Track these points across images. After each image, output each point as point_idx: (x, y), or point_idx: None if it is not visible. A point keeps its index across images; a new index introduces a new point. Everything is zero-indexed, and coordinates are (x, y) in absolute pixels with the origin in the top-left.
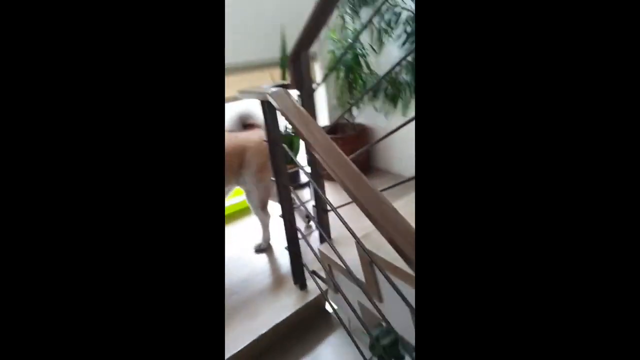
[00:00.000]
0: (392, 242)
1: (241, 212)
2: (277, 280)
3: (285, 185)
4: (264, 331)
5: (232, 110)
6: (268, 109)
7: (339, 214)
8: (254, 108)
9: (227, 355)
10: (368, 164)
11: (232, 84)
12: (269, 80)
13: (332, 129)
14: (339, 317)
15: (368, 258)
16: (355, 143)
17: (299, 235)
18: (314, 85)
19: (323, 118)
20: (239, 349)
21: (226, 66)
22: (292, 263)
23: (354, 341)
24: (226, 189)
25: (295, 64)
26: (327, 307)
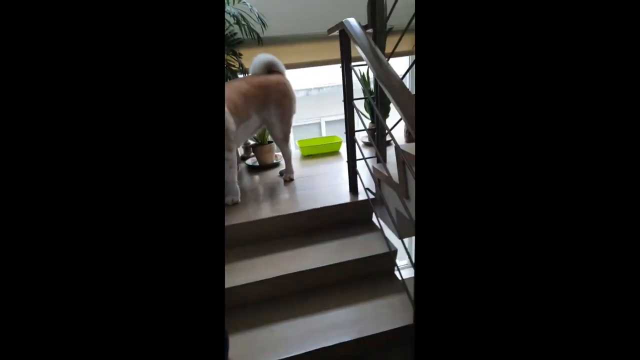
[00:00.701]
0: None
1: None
2: (338, 188)
3: (350, 104)
4: (318, 207)
5: (257, 59)
6: (343, 38)
7: (392, 135)
8: (276, 58)
9: (295, 210)
10: None
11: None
12: None
13: None
14: (380, 223)
15: (401, 157)
16: None
17: (359, 156)
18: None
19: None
20: (299, 210)
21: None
22: (349, 173)
23: (385, 238)
24: (256, 120)
25: (372, 6)
26: (374, 218)
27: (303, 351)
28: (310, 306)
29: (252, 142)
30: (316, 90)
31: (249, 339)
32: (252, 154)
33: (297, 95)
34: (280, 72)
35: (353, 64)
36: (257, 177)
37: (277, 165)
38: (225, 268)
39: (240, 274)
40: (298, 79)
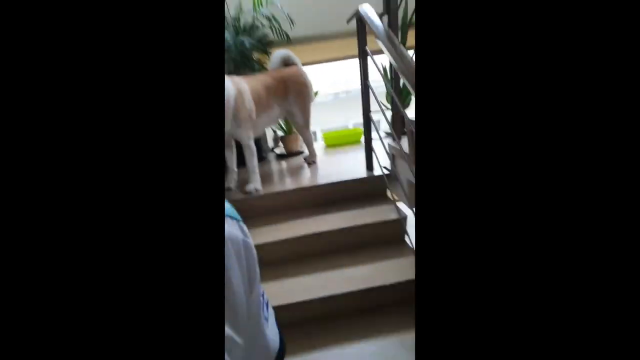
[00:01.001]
0: None
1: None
2: (355, 168)
3: (367, 85)
4: (336, 181)
5: (274, 55)
6: (359, 23)
7: (404, 112)
8: (291, 52)
9: (315, 183)
10: None
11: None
12: None
13: None
14: (393, 197)
15: (410, 127)
16: None
17: (374, 136)
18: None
19: None
20: (319, 184)
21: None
22: (366, 150)
23: (396, 207)
24: (278, 110)
25: None
26: (388, 193)
27: (322, 295)
28: (327, 264)
29: (280, 134)
30: (344, 94)
31: (277, 287)
32: (280, 144)
33: (326, 100)
34: (295, 64)
35: (374, 56)
36: (284, 163)
37: (302, 152)
38: (253, 231)
39: (266, 235)
40: (326, 84)
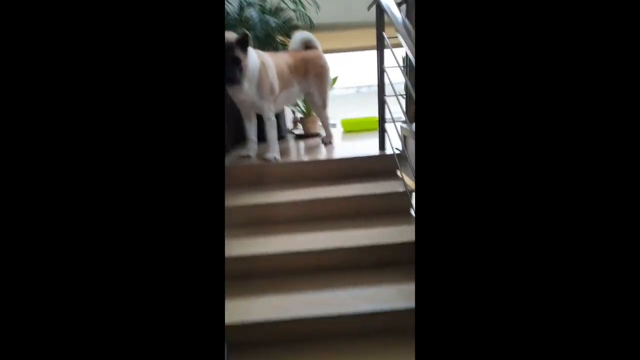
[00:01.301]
0: None
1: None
2: (369, 148)
3: (382, 69)
4: (349, 156)
5: (296, 36)
6: (378, 10)
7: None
8: (312, 35)
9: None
10: None
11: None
12: None
13: None
14: (403, 176)
15: None
16: None
17: (388, 117)
18: None
19: None
20: (338, 157)
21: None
22: (379, 130)
23: (404, 182)
24: (297, 89)
25: None
26: (398, 172)
27: (331, 246)
28: (336, 225)
29: (300, 116)
30: (366, 88)
31: (290, 239)
32: (299, 125)
33: (347, 93)
34: (315, 47)
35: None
36: (302, 143)
37: (319, 134)
38: (270, 193)
39: (281, 196)
40: (349, 78)
